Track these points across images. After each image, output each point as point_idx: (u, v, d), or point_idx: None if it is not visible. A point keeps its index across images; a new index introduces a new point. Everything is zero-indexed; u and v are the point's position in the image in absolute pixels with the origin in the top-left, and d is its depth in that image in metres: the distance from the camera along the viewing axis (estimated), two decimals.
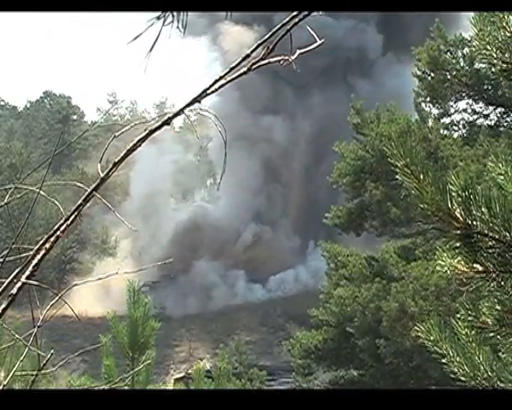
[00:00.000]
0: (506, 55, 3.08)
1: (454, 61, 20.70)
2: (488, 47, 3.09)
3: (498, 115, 21.96)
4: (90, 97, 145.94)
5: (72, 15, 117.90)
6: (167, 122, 2.26)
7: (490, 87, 20.99)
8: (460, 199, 2.81)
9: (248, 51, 2.20)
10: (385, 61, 55.37)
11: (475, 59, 19.45)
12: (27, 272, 2.31)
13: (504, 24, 3.06)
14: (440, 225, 2.84)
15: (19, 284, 2.30)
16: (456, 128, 22.28)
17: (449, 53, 20.69)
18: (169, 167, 58.50)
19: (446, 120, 22.24)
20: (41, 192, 2.52)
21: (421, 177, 2.79)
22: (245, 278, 54.21)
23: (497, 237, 2.82)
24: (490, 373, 3.08)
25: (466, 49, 20.56)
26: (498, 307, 3.03)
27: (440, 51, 20.56)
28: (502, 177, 2.93)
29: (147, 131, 2.26)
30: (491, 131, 20.90)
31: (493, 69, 3.14)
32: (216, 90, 2.23)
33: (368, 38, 56.00)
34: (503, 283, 2.94)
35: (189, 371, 29.66)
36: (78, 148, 73.29)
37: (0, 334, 7.27)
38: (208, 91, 2.23)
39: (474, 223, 2.82)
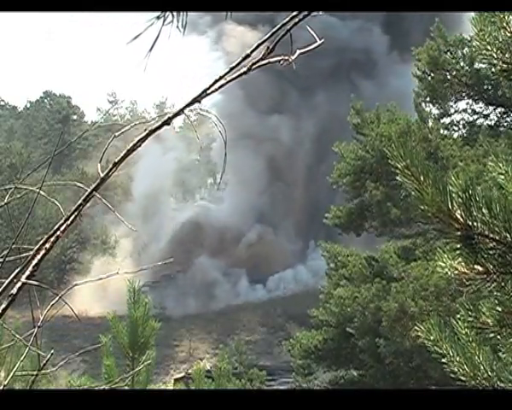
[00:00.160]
0: (506, 56, 3.08)
1: (454, 61, 20.70)
2: (488, 47, 3.09)
3: (498, 115, 21.96)
4: (90, 97, 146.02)
5: (72, 15, 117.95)
6: (167, 122, 2.26)
7: (490, 87, 20.98)
8: (460, 200, 2.81)
9: (248, 51, 2.20)
10: (390, 60, 55.34)
11: (475, 59, 19.45)
12: (27, 272, 2.31)
13: (505, 24, 3.06)
14: (441, 227, 2.84)
15: (19, 284, 2.30)
16: (456, 128, 22.29)
17: (449, 53, 20.69)
18: (171, 166, 58.44)
19: (446, 120, 22.25)
20: (41, 192, 2.52)
21: (422, 178, 2.79)
22: (245, 277, 54.22)
23: (497, 238, 2.82)
24: (490, 373, 3.08)
25: (466, 49, 20.55)
26: (499, 308, 3.03)
27: (440, 51, 20.56)
28: (502, 177, 2.93)
29: (147, 131, 2.26)
30: (491, 131, 20.90)
31: (493, 69, 3.14)
32: (216, 90, 2.23)
33: (373, 39, 56.04)
34: (503, 284, 2.94)
35: (189, 371, 29.66)
36: (78, 148, 73.29)
37: (0, 334, 7.27)
38: (208, 91, 2.23)
39: (475, 224, 2.82)
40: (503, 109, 21.69)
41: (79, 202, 2.29)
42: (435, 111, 21.89)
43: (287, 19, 2.17)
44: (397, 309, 19.24)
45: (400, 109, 21.81)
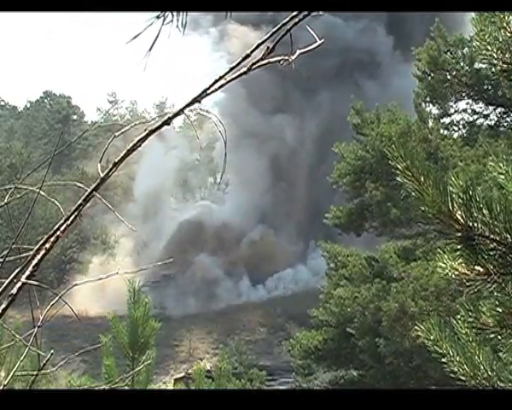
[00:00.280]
0: (506, 56, 3.08)
1: (454, 61, 20.70)
2: (489, 47, 3.09)
3: (498, 115, 21.97)
4: (90, 97, 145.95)
5: (72, 15, 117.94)
6: (167, 122, 2.26)
7: (490, 87, 20.98)
8: (461, 201, 2.81)
9: (248, 51, 2.20)
10: (393, 60, 55.32)
11: (475, 59, 19.45)
12: (27, 272, 2.31)
13: (505, 24, 3.06)
14: (441, 228, 2.84)
15: (19, 284, 2.30)
16: (456, 128, 22.29)
17: (449, 53, 20.69)
18: (173, 165, 58.35)
19: (446, 120, 22.25)
20: (41, 192, 2.52)
21: (422, 179, 2.79)
22: (245, 277, 54.21)
23: (497, 238, 2.82)
24: (490, 373, 3.08)
25: (466, 49, 20.56)
26: (499, 309, 3.03)
27: (440, 51, 20.57)
28: (502, 176, 2.93)
29: (147, 131, 2.26)
30: (491, 132, 20.90)
31: (493, 69, 3.14)
32: (216, 89, 2.23)
33: (377, 40, 56.05)
34: (503, 285, 2.94)
35: (189, 371, 29.67)
36: (78, 148, 73.30)
37: (0, 334, 7.27)
38: (208, 91, 2.23)
39: (475, 225, 2.82)
40: (503, 109, 21.69)
41: (79, 202, 2.29)
42: (435, 111, 21.91)
43: (287, 19, 2.17)
44: (397, 309, 19.25)
45: (403, 109, 21.80)
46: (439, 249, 3.01)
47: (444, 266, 2.97)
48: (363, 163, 21.40)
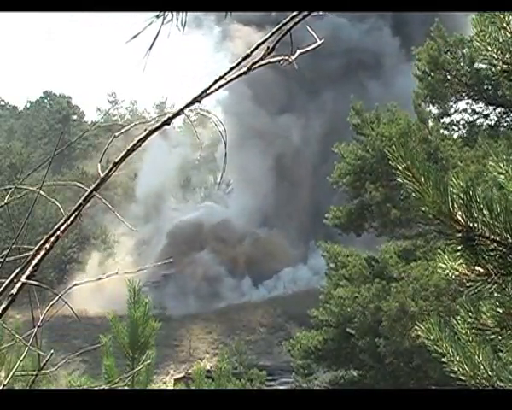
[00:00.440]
0: (507, 56, 3.08)
1: (454, 61, 20.70)
2: (489, 48, 3.09)
3: (498, 115, 21.97)
4: (90, 97, 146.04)
5: (72, 15, 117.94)
6: (167, 122, 2.26)
7: (490, 87, 20.98)
8: (461, 201, 2.81)
9: (249, 51, 2.20)
10: (399, 60, 55.31)
11: (475, 59, 19.45)
12: (27, 272, 2.31)
13: (505, 24, 3.05)
14: (441, 228, 2.84)
15: (19, 284, 2.30)
16: (456, 128, 22.29)
17: (449, 53, 20.69)
18: (175, 165, 58.26)
19: (446, 120, 22.26)
20: (41, 192, 2.52)
21: (423, 179, 2.79)
22: (245, 277, 54.20)
23: (498, 239, 2.82)
24: (490, 373, 3.08)
25: (466, 50, 20.56)
26: (499, 310, 3.03)
27: (440, 51, 20.57)
28: (502, 176, 2.93)
29: (147, 131, 2.26)
30: (490, 132, 20.90)
31: (493, 70, 3.14)
32: (216, 89, 2.23)
33: (383, 40, 56.05)
34: (504, 285, 2.94)
35: (189, 371, 29.67)
36: (78, 148, 73.32)
37: (0, 334, 7.27)
38: (208, 91, 2.23)
39: (476, 225, 2.82)
40: (503, 109, 21.69)
41: (79, 202, 2.29)
42: (435, 111, 21.91)
43: (287, 19, 2.17)
44: (397, 309, 19.25)
45: (408, 109, 21.77)
46: (439, 250, 3.00)
47: (444, 266, 2.97)
48: (363, 163, 21.40)
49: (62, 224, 2.29)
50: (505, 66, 3.10)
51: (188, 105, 2.23)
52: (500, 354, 3.11)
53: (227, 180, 60.21)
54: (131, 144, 2.26)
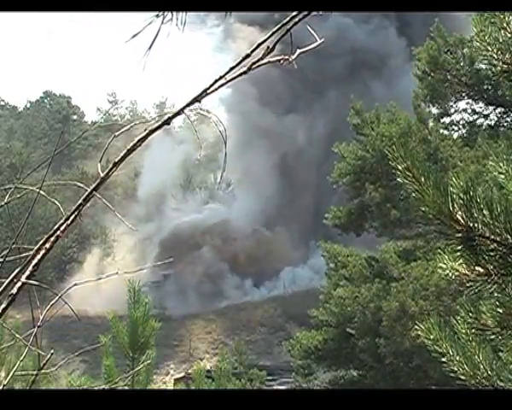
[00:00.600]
0: (507, 56, 3.08)
1: (454, 61, 20.71)
2: (489, 48, 3.09)
3: (498, 115, 21.97)
4: (90, 97, 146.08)
5: (72, 15, 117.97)
6: (167, 122, 2.26)
7: (490, 87, 20.99)
8: (461, 202, 2.81)
9: (249, 51, 2.20)
10: (403, 61, 55.28)
11: (475, 59, 19.45)
12: (27, 272, 2.30)
13: (505, 25, 3.05)
14: (442, 228, 2.84)
15: (19, 284, 2.30)
16: (456, 128, 22.30)
17: (449, 53, 20.69)
18: (179, 162, 58.14)
19: (446, 120, 22.26)
20: (41, 192, 2.52)
21: (423, 180, 2.79)
22: (245, 277, 54.17)
23: (498, 239, 2.82)
24: (490, 372, 3.08)
25: (466, 50, 20.56)
26: (500, 310, 3.03)
27: (440, 51, 20.57)
28: (502, 176, 2.93)
29: (147, 131, 2.26)
30: (490, 132, 20.90)
31: (493, 70, 3.14)
32: (216, 89, 2.23)
33: (389, 41, 56.04)
34: (504, 285, 2.94)
35: (189, 371, 29.66)
36: (78, 148, 73.34)
37: (0, 334, 7.27)
38: (208, 91, 2.23)
39: (476, 225, 2.82)
40: (503, 109, 21.69)
41: (79, 201, 2.29)
42: (435, 111, 21.91)
43: (287, 19, 2.17)
44: (397, 309, 19.25)
45: (410, 109, 21.75)
46: (439, 250, 3.00)
47: (444, 266, 2.97)
48: (363, 163, 21.40)
49: (62, 224, 2.29)
50: (505, 66, 3.10)
51: (188, 105, 2.23)
52: (500, 353, 3.11)
53: (228, 180, 60.12)
54: (131, 144, 2.26)
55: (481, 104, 21.76)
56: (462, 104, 21.92)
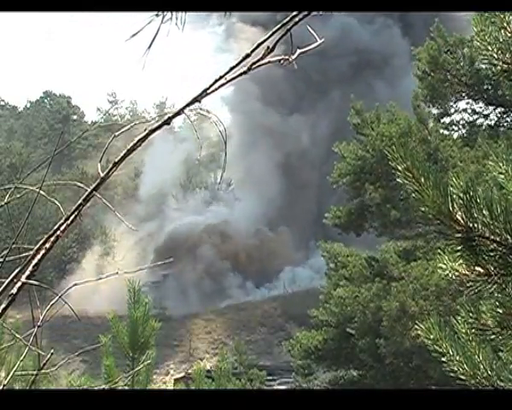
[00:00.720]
0: (507, 56, 3.08)
1: (454, 61, 20.71)
2: (489, 47, 3.09)
3: (498, 115, 21.97)
4: (90, 97, 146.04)
5: (72, 15, 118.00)
6: (167, 122, 2.26)
7: (490, 87, 20.99)
8: (461, 202, 2.80)
9: (249, 51, 2.20)
10: (408, 61, 55.20)
11: (475, 59, 19.46)
12: (27, 272, 2.30)
13: (505, 24, 3.05)
14: (441, 228, 2.84)
15: (19, 284, 2.30)
16: (456, 128, 22.30)
17: (449, 53, 20.70)
18: (180, 161, 58.07)
19: (446, 120, 22.26)
20: (41, 192, 2.52)
21: (422, 180, 2.79)
22: (246, 277, 54.16)
23: (498, 239, 2.82)
24: (490, 372, 3.08)
25: (466, 50, 20.57)
26: (500, 310, 3.03)
27: (440, 51, 20.57)
28: (502, 176, 2.93)
29: (147, 131, 2.26)
30: (490, 132, 20.90)
31: (493, 69, 3.14)
32: (216, 89, 2.22)
33: (393, 41, 56.04)
34: (504, 285, 2.94)
35: (189, 371, 29.64)
36: (78, 148, 73.33)
37: (0, 334, 7.27)
38: (208, 91, 2.23)
39: (475, 226, 2.82)
40: (503, 109, 21.69)
41: (79, 201, 2.29)
42: (435, 111, 21.91)
43: (287, 19, 2.17)
44: (397, 309, 19.25)
45: (411, 109, 21.74)
46: (439, 250, 3.00)
47: (444, 266, 2.97)
48: (363, 163, 21.40)
49: (62, 224, 2.29)
50: (505, 65, 3.10)
51: (188, 105, 2.23)
52: (500, 353, 3.11)
53: (228, 180, 60.04)
54: (131, 144, 2.26)
55: (481, 104, 21.76)
56: (462, 104, 21.94)
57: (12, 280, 2.32)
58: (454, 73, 20.68)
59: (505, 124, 21.81)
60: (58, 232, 2.28)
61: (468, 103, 21.89)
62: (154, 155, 51.66)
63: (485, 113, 22.03)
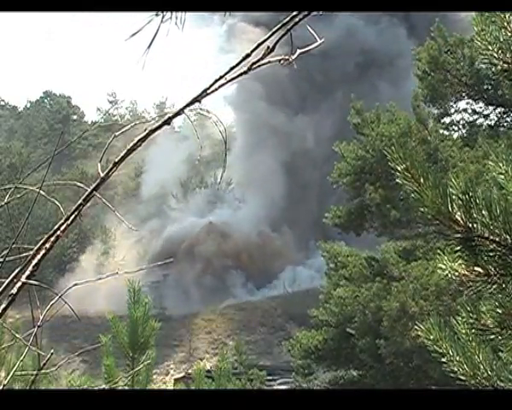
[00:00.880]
0: (507, 56, 3.08)
1: (454, 61, 20.71)
2: (489, 47, 3.09)
3: (498, 115, 21.97)
4: (90, 97, 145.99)
5: (72, 15, 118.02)
6: (167, 122, 2.26)
7: (490, 87, 20.99)
8: (460, 202, 2.81)
9: (249, 51, 2.20)
10: (411, 62, 55.13)
11: (475, 59, 19.46)
12: (27, 272, 2.30)
13: (505, 24, 3.05)
14: (441, 229, 2.84)
15: (19, 284, 2.30)
16: (456, 128, 22.30)
17: (449, 53, 20.70)
18: (181, 165, 58.05)
19: (446, 120, 22.26)
20: (41, 192, 2.52)
21: (422, 180, 2.79)
22: (246, 277, 54.15)
23: (497, 239, 2.82)
24: (490, 372, 3.08)
25: (466, 50, 20.57)
26: (499, 310, 3.03)
27: (440, 51, 20.58)
28: (502, 176, 2.93)
29: (147, 131, 2.26)
30: (490, 132, 20.90)
31: (494, 69, 3.14)
32: (216, 89, 2.23)
33: (398, 42, 56.03)
34: (504, 286, 2.94)
35: (189, 371, 29.66)
36: (78, 148, 73.34)
37: (0, 334, 7.27)
38: (208, 91, 2.23)
39: (475, 226, 2.82)
40: (503, 109, 21.69)
41: (79, 201, 2.29)
42: (435, 111, 21.90)
43: (287, 19, 2.17)
44: (397, 309, 19.25)
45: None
46: (439, 250, 3.00)
47: (444, 267, 2.97)
48: (363, 163, 21.40)
49: (62, 224, 2.29)
50: (506, 65, 3.10)
51: (188, 105, 2.23)
52: (500, 353, 3.11)
53: (228, 179, 59.99)
54: (131, 144, 2.26)
55: (481, 104, 21.76)
56: (462, 104, 21.93)
57: (12, 280, 2.32)
58: (454, 73, 20.68)
59: (505, 124, 21.81)
60: (58, 232, 2.28)
61: (468, 103, 21.89)
62: (155, 154, 51.66)
63: (485, 113, 22.03)
